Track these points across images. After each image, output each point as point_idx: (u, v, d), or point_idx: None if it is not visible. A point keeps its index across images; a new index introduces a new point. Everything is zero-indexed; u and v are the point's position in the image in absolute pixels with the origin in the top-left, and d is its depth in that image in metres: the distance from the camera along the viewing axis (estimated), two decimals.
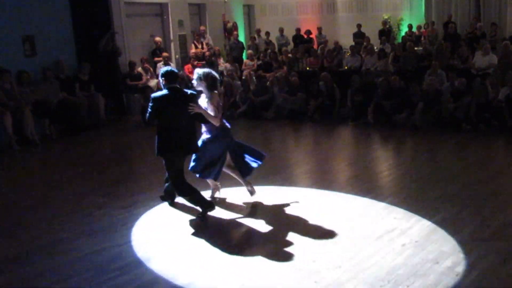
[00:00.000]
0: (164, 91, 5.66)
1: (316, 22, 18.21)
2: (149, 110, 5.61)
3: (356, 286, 4.23)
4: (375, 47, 14.33)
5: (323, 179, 7.30)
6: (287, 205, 6.14)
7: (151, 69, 13.27)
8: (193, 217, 5.86)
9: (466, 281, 4.21)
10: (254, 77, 13.01)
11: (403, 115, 10.16)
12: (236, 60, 14.80)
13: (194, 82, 5.96)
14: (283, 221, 5.65)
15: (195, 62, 14.29)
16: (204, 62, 14.48)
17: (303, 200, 6.31)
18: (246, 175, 6.20)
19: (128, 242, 5.27)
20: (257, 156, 6.24)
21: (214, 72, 6.08)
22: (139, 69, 12.91)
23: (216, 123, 5.86)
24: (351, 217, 5.67)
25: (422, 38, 15.55)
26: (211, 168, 6.02)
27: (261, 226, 5.57)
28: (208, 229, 5.62)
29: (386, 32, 16.34)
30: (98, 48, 12.03)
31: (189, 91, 5.78)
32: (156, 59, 13.67)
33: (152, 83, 12.70)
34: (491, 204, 5.96)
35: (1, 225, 5.90)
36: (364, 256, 4.69)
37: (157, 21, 15.16)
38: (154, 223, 5.80)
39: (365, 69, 13.08)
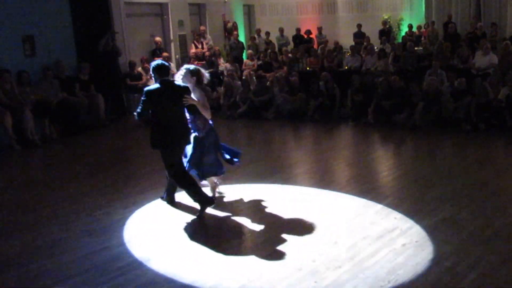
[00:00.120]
0: (156, 85, 5.67)
1: (316, 22, 18.20)
2: (141, 103, 5.61)
3: (356, 286, 4.23)
4: (375, 47, 14.32)
5: (323, 179, 7.29)
6: (287, 205, 6.14)
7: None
8: (194, 217, 5.86)
9: (466, 281, 4.20)
10: (254, 77, 13.00)
11: (403, 115, 10.15)
12: (236, 60, 14.79)
13: (181, 76, 5.94)
14: (283, 221, 5.65)
15: (195, 62, 14.28)
16: (204, 62, 14.49)
17: (303, 200, 6.32)
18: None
19: (128, 242, 5.27)
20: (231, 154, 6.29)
21: (203, 70, 6.16)
22: (139, 69, 12.91)
23: (208, 116, 5.95)
24: (351, 217, 5.67)
25: (422, 38, 15.54)
26: (206, 165, 6.04)
27: (260, 225, 5.57)
28: (208, 228, 5.62)
29: (386, 32, 16.34)
30: (98, 48, 12.02)
31: (181, 84, 5.80)
32: (156, 59, 13.65)
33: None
34: (491, 204, 5.96)
35: (1, 225, 5.90)
36: (364, 256, 4.69)
37: (157, 21, 15.16)
38: (154, 223, 5.80)
39: (365, 69, 13.07)
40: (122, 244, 5.23)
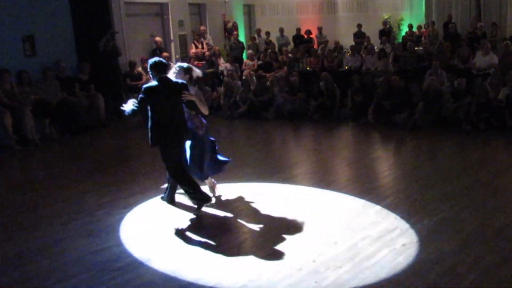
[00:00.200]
0: (155, 82, 5.65)
1: (317, 22, 18.20)
2: (139, 101, 5.57)
3: (357, 286, 4.23)
4: (376, 47, 14.33)
5: (323, 179, 7.29)
6: (287, 205, 6.14)
7: None
8: (194, 217, 5.86)
9: (467, 281, 4.20)
10: (254, 77, 13.00)
11: (403, 115, 10.15)
12: (236, 60, 14.79)
13: (174, 74, 5.95)
14: (283, 221, 5.64)
15: (195, 62, 14.29)
16: (204, 62, 14.50)
17: (303, 200, 6.32)
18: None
19: (128, 242, 5.26)
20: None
21: (193, 67, 6.26)
22: (139, 69, 12.90)
23: (205, 111, 6.00)
24: (351, 217, 5.67)
25: (423, 38, 15.54)
26: (206, 165, 6.09)
27: (260, 225, 5.57)
28: (207, 228, 5.62)
29: (387, 32, 16.34)
30: (98, 48, 12.02)
31: (179, 81, 5.81)
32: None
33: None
34: (492, 204, 5.96)
35: (1, 225, 5.89)
36: (364, 256, 4.69)
37: (157, 21, 15.17)
38: (154, 223, 5.79)
39: (366, 69, 13.07)
40: (122, 244, 5.23)
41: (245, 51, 16.36)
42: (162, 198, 6.33)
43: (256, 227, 5.57)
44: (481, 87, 10.00)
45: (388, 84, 10.71)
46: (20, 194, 7.08)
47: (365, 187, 6.72)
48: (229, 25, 17.22)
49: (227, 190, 6.66)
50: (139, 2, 14.34)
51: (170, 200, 6.26)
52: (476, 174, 7.13)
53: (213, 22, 17.03)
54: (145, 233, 5.53)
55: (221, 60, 14.84)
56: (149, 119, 5.72)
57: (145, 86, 5.68)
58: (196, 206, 5.93)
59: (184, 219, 5.83)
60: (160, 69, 5.70)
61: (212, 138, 6.32)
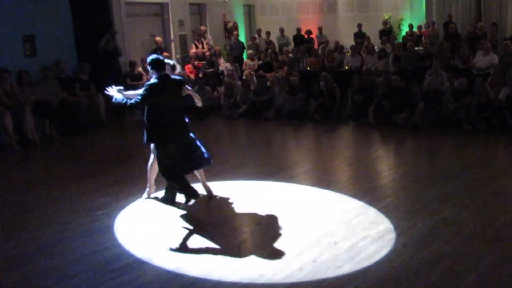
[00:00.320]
0: (155, 80, 5.70)
1: (317, 22, 18.20)
2: (142, 96, 5.59)
3: (357, 286, 4.23)
4: (376, 47, 14.33)
5: (323, 179, 7.29)
6: (288, 204, 6.14)
7: None
8: (194, 217, 5.86)
9: (467, 282, 4.20)
10: (254, 77, 13.01)
11: (403, 115, 10.15)
12: (236, 60, 14.79)
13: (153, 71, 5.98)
14: (284, 221, 5.64)
15: (196, 62, 14.31)
16: (204, 62, 14.50)
17: (304, 200, 6.32)
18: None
19: (128, 242, 5.26)
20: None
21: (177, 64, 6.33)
22: (140, 69, 12.90)
23: (200, 104, 6.12)
24: (351, 217, 5.66)
25: (423, 38, 15.53)
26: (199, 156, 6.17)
27: (260, 225, 5.57)
28: (207, 228, 5.61)
29: (387, 32, 16.34)
30: (98, 48, 12.02)
31: (177, 77, 5.92)
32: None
33: None
34: (492, 204, 5.96)
35: (1, 225, 5.89)
36: (364, 256, 4.69)
37: (158, 21, 15.17)
38: (154, 223, 5.79)
39: (366, 69, 13.05)
40: (122, 244, 5.22)
41: (245, 51, 16.36)
42: (161, 198, 6.32)
43: (256, 227, 5.57)
44: (481, 87, 10.00)
45: (388, 84, 10.71)
46: (20, 194, 7.08)
47: (365, 187, 6.72)
48: (230, 25, 17.21)
49: (227, 190, 6.66)
50: (139, 2, 14.34)
51: (171, 200, 6.25)
52: (476, 174, 7.13)
53: (214, 22, 17.03)
54: (145, 233, 5.52)
55: (221, 60, 14.84)
56: (146, 116, 5.77)
57: (148, 83, 5.72)
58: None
59: (184, 219, 5.83)
60: (160, 66, 5.75)
61: (192, 135, 6.27)
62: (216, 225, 5.69)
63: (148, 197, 6.48)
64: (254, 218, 5.78)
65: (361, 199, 6.18)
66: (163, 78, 5.71)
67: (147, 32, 14.58)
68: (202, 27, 15.95)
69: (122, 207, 6.25)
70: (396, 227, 5.31)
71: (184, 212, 6.04)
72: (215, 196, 6.46)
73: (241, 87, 12.49)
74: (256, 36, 17.32)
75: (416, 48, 13.82)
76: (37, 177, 8.06)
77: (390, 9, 17.87)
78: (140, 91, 5.95)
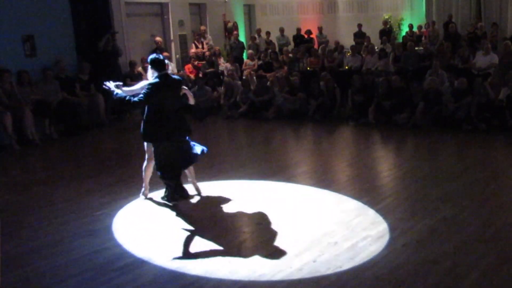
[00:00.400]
0: (156, 79, 5.76)
1: (317, 22, 18.20)
2: (145, 95, 5.63)
3: (357, 286, 4.23)
4: (376, 47, 14.33)
5: (323, 179, 7.29)
6: (288, 204, 6.14)
7: None
8: (194, 217, 5.86)
9: (467, 282, 4.20)
10: (254, 77, 13.01)
11: (403, 115, 10.15)
12: (236, 60, 14.79)
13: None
14: (284, 221, 5.64)
15: (196, 62, 14.30)
16: (204, 62, 14.49)
17: (304, 200, 6.32)
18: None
19: (128, 242, 5.26)
20: None
21: None
22: (140, 69, 12.88)
23: (193, 102, 6.36)
24: (351, 217, 5.66)
25: (423, 38, 15.54)
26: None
27: (260, 225, 5.56)
28: (208, 229, 5.60)
29: (387, 32, 16.34)
30: (98, 48, 12.02)
31: (176, 76, 6.10)
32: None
33: None
34: (492, 204, 5.95)
35: (1, 225, 5.89)
36: (364, 256, 4.69)
37: (158, 21, 15.17)
38: (155, 223, 5.79)
39: (366, 69, 13.07)
40: (122, 244, 5.22)
41: (245, 51, 16.36)
42: (162, 198, 6.33)
43: (256, 227, 5.57)
44: (481, 86, 10.00)
45: (388, 84, 10.70)
46: (20, 194, 7.08)
47: (365, 187, 6.72)
48: (229, 25, 17.21)
49: (227, 190, 6.65)
50: (139, 2, 14.34)
51: (171, 199, 6.26)
52: (476, 174, 7.13)
53: (213, 22, 17.03)
54: (145, 233, 5.52)
55: (221, 60, 14.84)
56: (146, 114, 5.83)
57: (150, 81, 5.77)
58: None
59: (184, 219, 5.83)
60: (160, 66, 5.85)
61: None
62: (216, 225, 5.69)
63: (145, 198, 6.48)
64: (254, 218, 5.78)
65: (361, 199, 6.18)
66: (164, 77, 5.79)
67: (147, 32, 14.58)
68: (202, 27, 15.95)
69: (122, 207, 6.25)
70: (396, 227, 5.31)
71: (184, 212, 6.04)
72: (203, 196, 6.48)
73: (241, 87, 12.49)
74: (256, 36, 17.32)
75: (416, 48, 13.82)
76: (37, 177, 8.06)
77: (390, 9, 17.87)
78: (136, 86, 6.02)
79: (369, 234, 5.15)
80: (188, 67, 14.29)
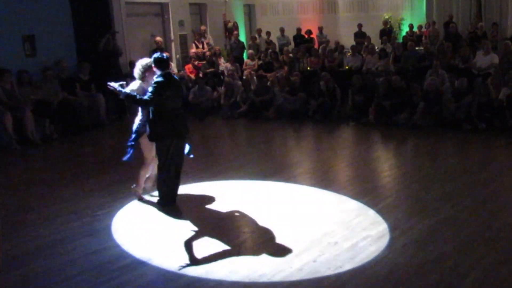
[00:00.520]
0: (160, 78, 5.82)
1: (317, 22, 18.19)
2: (153, 94, 5.68)
3: (357, 286, 4.23)
4: (376, 47, 14.32)
5: (323, 179, 7.29)
6: (288, 204, 6.14)
7: None
8: (195, 217, 5.86)
9: (467, 282, 4.20)
10: (254, 77, 12.99)
11: (404, 115, 10.14)
12: (236, 60, 14.77)
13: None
14: (284, 221, 5.64)
15: (196, 62, 14.29)
16: (204, 62, 14.48)
17: (304, 200, 6.32)
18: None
19: (128, 242, 5.26)
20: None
21: None
22: None
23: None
24: (351, 217, 5.66)
25: (423, 38, 15.53)
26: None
27: (261, 225, 5.56)
28: (208, 229, 5.60)
29: (387, 32, 16.32)
30: (99, 47, 12.02)
31: (176, 76, 6.08)
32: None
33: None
34: (492, 204, 5.95)
35: (1, 225, 5.89)
36: (364, 256, 4.69)
37: (158, 20, 15.16)
38: (154, 224, 5.79)
39: (366, 69, 13.06)
40: (122, 244, 5.22)
41: (245, 51, 16.35)
42: (158, 202, 6.30)
43: (256, 227, 5.56)
44: (482, 86, 9.99)
45: (388, 84, 10.70)
46: (21, 194, 7.08)
47: (365, 187, 6.72)
48: (230, 25, 17.20)
49: (228, 190, 6.66)
50: (140, 2, 14.34)
51: (171, 199, 6.25)
52: (476, 174, 7.13)
53: (214, 22, 17.02)
54: (145, 233, 5.52)
55: (222, 60, 14.83)
56: (151, 113, 5.88)
57: (156, 80, 5.80)
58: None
59: (184, 219, 5.83)
60: (164, 65, 5.92)
61: None
62: (216, 225, 5.69)
63: (140, 200, 6.45)
64: (254, 218, 5.77)
65: (361, 199, 6.18)
66: (168, 76, 5.86)
67: (147, 32, 14.57)
68: (202, 27, 15.94)
69: (122, 207, 6.25)
70: (396, 227, 5.31)
71: (184, 212, 6.04)
72: (203, 196, 6.50)
73: (241, 87, 12.48)
74: (256, 36, 17.31)
75: (417, 48, 13.81)
76: (37, 177, 8.06)
77: (390, 9, 17.85)
78: (133, 86, 6.00)
79: (369, 234, 5.15)
80: (188, 67, 14.28)
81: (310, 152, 9.33)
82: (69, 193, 6.95)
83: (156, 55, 5.99)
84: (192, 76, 13.83)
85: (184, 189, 6.51)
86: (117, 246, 5.19)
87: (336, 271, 4.45)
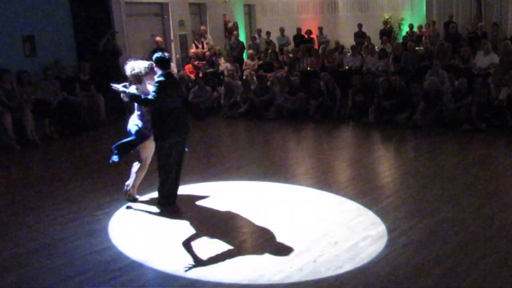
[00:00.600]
0: (162, 77, 5.83)
1: (317, 22, 18.20)
2: (156, 93, 5.69)
3: (357, 286, 4.22)
4: (376, 47, 14.32)
5: (324, 179, 7.28)
6: (288, 205, 6.14)
7: None
8: (195, 218, 5.86)
9: (467, 282, 4.19)
10: (254, 77, 13.00)
11: (404, 115, 10.14)
12: (236, 60, 14.78)
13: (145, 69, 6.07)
14: (284, 221, 5.64)
15: (196, 62, 14.30)
16: (204, 62, 14.49)
17: (304, 200, 6.32)
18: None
19: (128, 242, 5.26)
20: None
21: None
22: None
23: None
24: (352, 217, 5.66)
25: (423, 38, 15.53)
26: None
27: (261, 225, 5.56)
28: (207, 229, 5.60)
29: (387, 32, 16.33)
30: (98, 47, 12.03)
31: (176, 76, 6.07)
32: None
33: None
34: (492, 204, 5.94)
35: (1, 225, 5.90)
36: (365, 257, 4.68)
37: (158, 21, 15.17)
38: (154, 224, 5.79)
39: (366, 69, 13.07)
40: (122, 244, 5.21)
41: (245, 51, 16.36)
42: (158, 203, 6.29)
43: (256, 227, 5.56)
44: (482, 86, 9.99)
45: (388, 84, 10.70)
46: (20, 194, 7.07)
47: (365, 187, 6.72)
48: (230, 25, 17.20)
49: (228, 190, 6.65)
50: (140, 2, 14.34)
51: (170, 202, 6.25)
52: (476, 174, 7.12)
53: (214, 22, 17.02)
54: (145, 233, 5.52)
55: (222, 60, 14.84)
56: (152, 113, 5.89)
57: (159, 80, 5.80)
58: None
59: (184, 219, 5.82)
60: (166, 64, 5.94)
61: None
62: (216, 225, 5.68)
63: (131, 200, 6.42)
64: (254, 218, 5.77)
65: (361, 200, 6.17)
66: (169, 76, 5.89)
67: (147, 32, 14.57)
68: (202, 27, 15.95)
69: (122, 208, 6.24)
70: (396, 227, 5.30)
71: (183, 212, 6.04)
72: (203, 196, 6.50)
73: (241, 87, 12.49)
74: (256, 36, 17.32)
75: (417, 48, 13.81)
76: (37, 177, 8.06)
77: (390, 9, 17.86)
78: (134, 88, 6.00)
79: (369, 234, 5.15)
80: (188, 67, 14.28)
81: (310, 152, 9.32)
82: (69, 193, 6.95)
83: (158, 54, 5.99)
84: (192, 76, 13.83)
85: (184, 189, 6.51)
86: (117, 246, 5.18)
87: (336, 271, 4.45)
